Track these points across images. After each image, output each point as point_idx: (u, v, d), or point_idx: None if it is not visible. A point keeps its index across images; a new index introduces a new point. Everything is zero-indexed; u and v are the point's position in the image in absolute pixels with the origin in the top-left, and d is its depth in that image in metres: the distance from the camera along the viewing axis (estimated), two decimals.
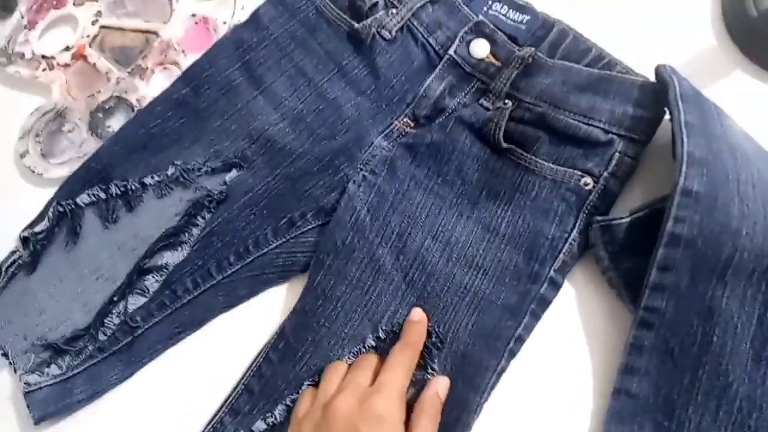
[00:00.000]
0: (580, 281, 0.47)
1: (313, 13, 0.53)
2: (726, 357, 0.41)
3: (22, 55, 0.57)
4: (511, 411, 0.44)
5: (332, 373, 0.43)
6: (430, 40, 0.52)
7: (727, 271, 0.41)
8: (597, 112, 0.47)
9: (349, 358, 0.45)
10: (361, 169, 0.49)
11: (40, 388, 0.46)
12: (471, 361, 0.44)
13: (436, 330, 0.45)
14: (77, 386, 0.46)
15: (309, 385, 0.44)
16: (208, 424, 0.45)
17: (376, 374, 0.42)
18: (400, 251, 0.47)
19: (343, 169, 0.50)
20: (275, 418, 0.44)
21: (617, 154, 0.47)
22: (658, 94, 0.46)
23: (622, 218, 0.44)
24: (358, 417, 0.38)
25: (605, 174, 0.46)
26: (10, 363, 0.47)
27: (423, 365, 0.45)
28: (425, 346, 0.45)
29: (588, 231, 0.46)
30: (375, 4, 0.52)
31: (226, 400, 0.45)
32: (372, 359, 0.44)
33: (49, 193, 0.51)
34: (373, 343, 0.45)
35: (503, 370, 0.44)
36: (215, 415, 0.45)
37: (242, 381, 0.46)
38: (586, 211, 0.46)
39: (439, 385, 0.43)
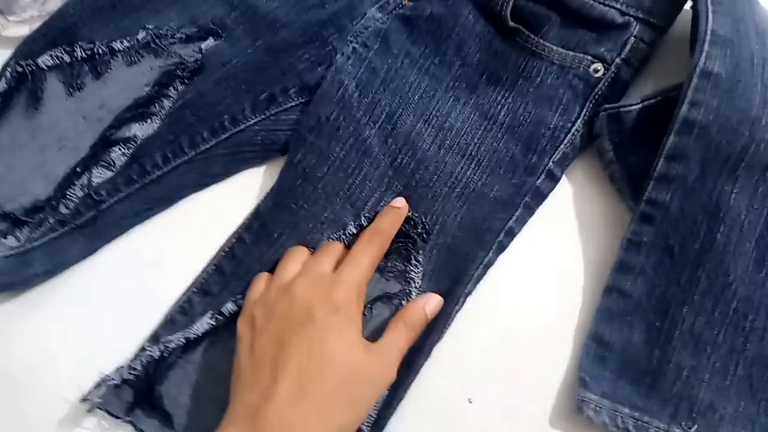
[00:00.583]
0: (579, 176, 0.44)
1: None
2: (728, 256, 0.38)
3: None
4: (497, 305, 0.42)
5: (292, 256, 0.40)
6: None
7: (740, 164, 0.38)
8: None
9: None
10: (352, 42, 0.45)
11: None
12: (457, 253, 0.42)
13: (423, 220, 0.42)
14: (36, 259, 0.43)
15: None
16: (175, 304, 0.42)
17: (339, 262, 0.39)
18: (389, 134, 0.44)
19: (331, 42, 0.45)
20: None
21: (632, 38, 0.43)
22: None
23: (632, 105, 0.41)
24: (314, 303, 0.36)
25: (617, 60, 0.43)
26: None
27: (407, 256, 0.42)
28: (410, 236, 0.42)
29: (593, 122, 0.43)
30: None
31: (195, 281, 0.42)
32: (337, 246, 0.41)
33: (7, 53, 0.47)
34: (354, 230, 0.42)
35: (491, 262, 0.42)
36: (183, 295, 0.42)
37: (213, 261, 0.43)
38: (594, 100, 0.43)
39: (429, 303, 0.40)
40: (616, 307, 0.40)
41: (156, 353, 0.39)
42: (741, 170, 0.38)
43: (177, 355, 0.40)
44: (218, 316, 0.41)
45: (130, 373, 0.39)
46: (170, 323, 0.41)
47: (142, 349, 0.40)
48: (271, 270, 0.41)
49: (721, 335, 0.38)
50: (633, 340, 0.39)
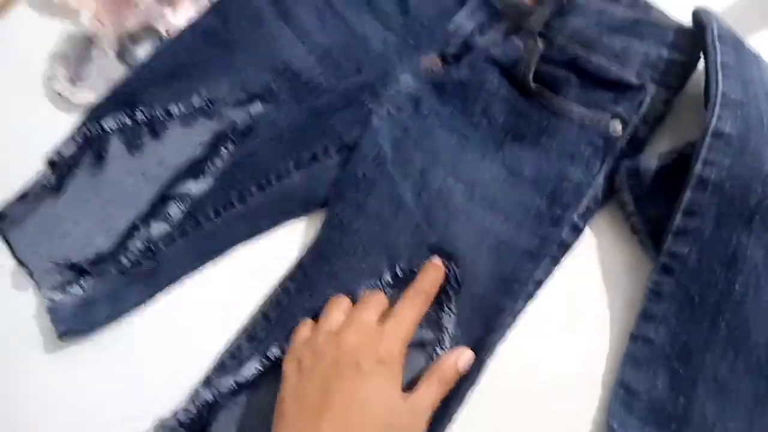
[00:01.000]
0: (602, 227, 0.46)
1: None
2: (747, 306, 0.40)
3: None
4: (526, 351, 0.44)
5: (336, 305, 0.43)
6: None
7: (754, 218, 0.40)
8: (630, 55, 0.46)
9: (363, 292, 0.45)
10: (386, 105, 0.49)
11: (63, 305, 0.47)
12: (488, 302, 0.44)
13: (455, 271, 0.45)
14: (99, 306, 0.47)
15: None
16: (226, 349, 0.45)
17: (381, 314, 0.42)
18: (422, 188, 0.47)
19: (367, 105, 0.49)
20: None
21: (649, 98, 0.46)
22: (694, 38, 0.45)
23: (649, 162, 0.44)
24: (362, 353, 0.38)
25: (635, 119, 0.46)
26: (35, 281, 0.48)
27: (440, 304, 0.45)
28: (442, 286, 0.45)
29: (613, 177, 0.45)
30: None
31: (244, 327, 0.46)
32: (380, 298, 0.43)
33: (76, 117, 0.52)
34: (390, 280, 0.45)
35: (520, 311, 0.44)
36: (234, 341, 0.45)
37: (261, 309, 0.46)
38: (614, 157, 0.46)
39: (462, 358, 0.41)
40: (642, 354, 0.42)
41: (209, 396, 0.42)
42: (755, 223, 0.40)
43: (227, 398, 0.43)
44: (264, 361, 0.43)
45: (186, 416, 0.42)
46: (221, 367, 0.44)
47: (196, 392, 0.43)
48: (313, 317, 0.44)
49: (744, 383, 0.40)
50: (658, 387, 0.41)
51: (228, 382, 0.43)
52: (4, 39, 0.57)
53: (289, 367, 0.40)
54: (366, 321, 0.41)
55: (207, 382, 0.44)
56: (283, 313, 0.46)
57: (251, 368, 0.43)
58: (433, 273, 0.44)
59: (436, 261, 0.45)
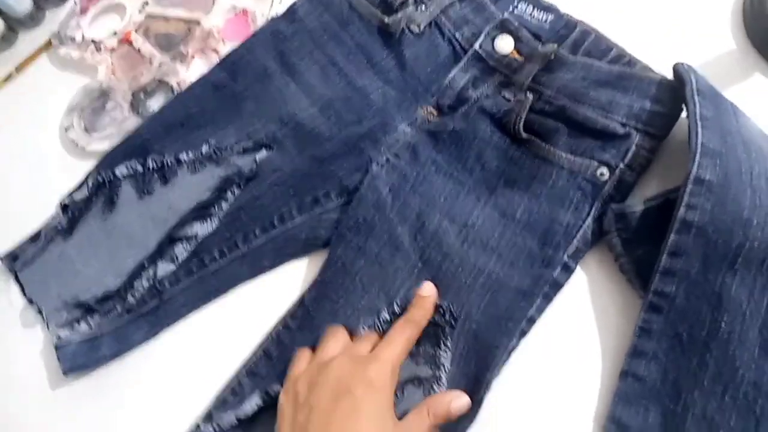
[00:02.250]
0: (592, 267, 0.48)
1: (347, 7, 0.57)
2: (734, 344, 0.41)
3: (73, 39, 0.61)
4: (519, 388, 0.45)
5: (333, 336, 0.44)
6: (457, 35, 0.54)
7: (738, 259, 0.42)
8: (616, 107, 0.49)
9: (363, 328, 0.46)
10: (385, 153, 0.52)
11: (70, 343, 0.49)
12: (483, 340, 0.45)
13: (450, 309, 0.46)
14: (104, 343, 0.49)
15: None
16: (227, 386, 0.46)
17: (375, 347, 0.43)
18: (418, 231, 0.49)
19: (367, 152, 0.52)
20: None
21: (634, 147, 0.48)
22: (675, 91, 0.48)
23: (636, 206, 0.46)
24: (351, 378, 0.40)
25: (621, 166, 0.48)
26: (43, 319, 0.50)
27: (436, 341, 0.46)
28: (439, 324, 0.46)
29: (602, 219, 0.47)
30: (405, 1, 0.55)
31: (245, 363, 0.47)
32: (374, 335, 0.45)
33: (90, 165, 0.54)
34: (388, 317, 0.47)
35: (514, 348, 0.45)
36: (235, 377, 0.46)
37: (262, 346, 0.47)
38: (602, 200, 0.48)
39: (456, 400, 0.41)
40: (632, 391, 0.43)
41: (210, 431, 0.43)
42: (739, 265, 0.42)
43: None
44: (265, 397, 0.44)
45: None
46: (222, 403, 0.45)
47: (197, 427, 0.44)
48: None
49: (732, 419, 0.41)
50: (649, 423, 0.42)
51: (229, 418, 0.44)
52: (26, 92, 0.61)
53: (285, 399, 0.41)
54: (358, 351, 0.42)
55: (208, 417, 0.45)
56: (284, 350, 0.47)
57: (252, 404, 0.44)
58: (423, 304, 0.45)
59: (428, 286, 0.46)
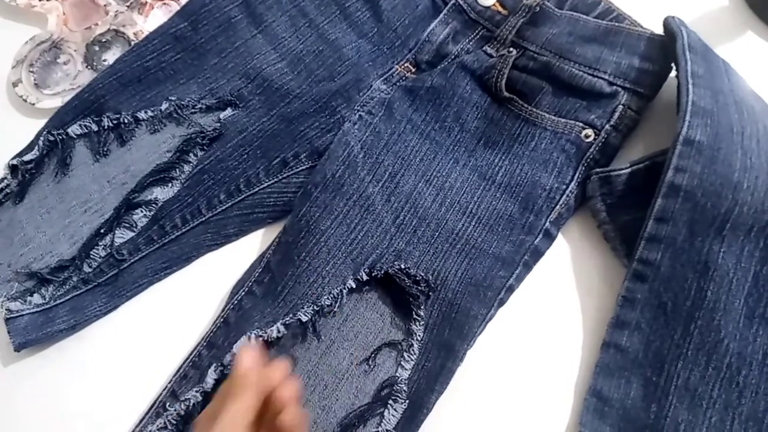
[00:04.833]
0: (574, 234, 0.46)
1: None
2: (719, 313, 0.40)
3: None
4: (497, 360, 0.43)
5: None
6: None
7: (726, 225, 0.40)
8: (603, 64, 0.46)
9: (327, 299, 0.44)
10: (358, 110, 0.48)
11: (22, 315, 0.45)
12: (459, 309, 0.43)
13: (424, 277, 0.44)
14: (59, 316, 0.46)
15: (283, 323, 0.43)
16: (187, 358, 0.44)
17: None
18: (392, 192, 0.46)
19: (339, 111, 0.49)
20: None
21: (621, 106, 0.46)
22: (665, 47, 0.45)
23: (621, 169, 0.43)
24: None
25: (607, 127, 0.46)
26: None
27: (409, 311, 0.44)
28: (412, 294, 0.44)
29: (586, 184, 0.45)
30: None
31: (205, 335, 0.44)
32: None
33: (41, 123, 0.50)
34: (353, 285, 0.44)
35: (491, 318, 0.43)
36: (194, 349, 0.44)
37: (222, 314, 0.45)
38: (586, 164, 0.46)
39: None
40: (614, 362, 0.42)
41: (182, 410, 0.41)
42: (727, 231, 0.40)
43: (196, 409, 0.42)
44: (221, 369, 0.42)
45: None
46: (183, 378, 0.43)
47: (164, 407, 0.42)
48: (272, 323, 0.42)
49: (715, 390, 0.40)
50: (631, 395, 0.41)
51: (194, 395, 0.41)
52: None
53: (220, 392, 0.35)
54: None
55: (172, 394, 0.42)
56: (242, 316, 0.44)
57: (210, 379, 0.42)
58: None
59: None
